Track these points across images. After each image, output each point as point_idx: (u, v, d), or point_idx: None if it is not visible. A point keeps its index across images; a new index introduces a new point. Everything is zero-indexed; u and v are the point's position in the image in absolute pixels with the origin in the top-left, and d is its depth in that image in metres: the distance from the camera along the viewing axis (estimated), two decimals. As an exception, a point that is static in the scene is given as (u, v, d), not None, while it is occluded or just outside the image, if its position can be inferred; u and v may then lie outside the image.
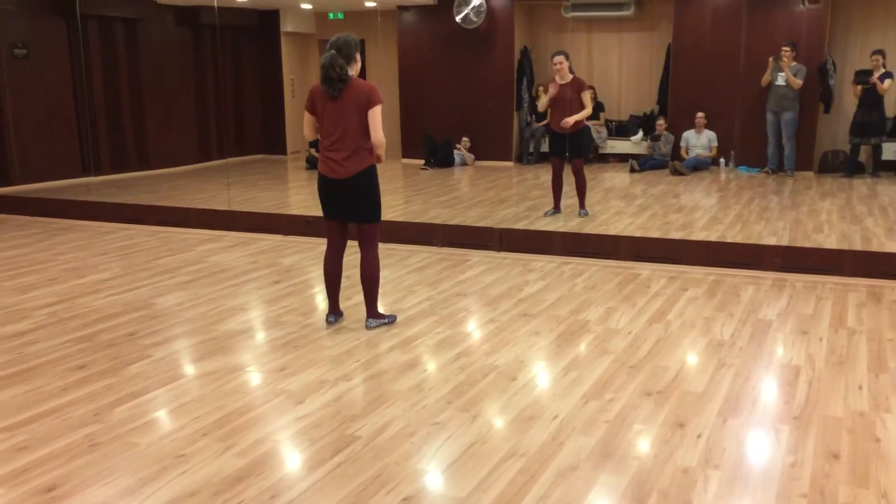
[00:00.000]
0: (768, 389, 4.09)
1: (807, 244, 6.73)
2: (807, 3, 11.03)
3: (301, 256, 7.16)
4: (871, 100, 10.54)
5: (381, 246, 5.20)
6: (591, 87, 11.04)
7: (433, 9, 12.86)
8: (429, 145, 12.77)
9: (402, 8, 13.05)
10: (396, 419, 3.73)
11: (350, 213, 4.92)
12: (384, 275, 6.05)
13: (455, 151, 12.85)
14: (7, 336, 5.02)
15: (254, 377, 4.31)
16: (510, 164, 12.91)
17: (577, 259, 6.86)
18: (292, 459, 3.39)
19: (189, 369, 4.45)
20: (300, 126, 14.13)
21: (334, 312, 5.18)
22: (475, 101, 12.94)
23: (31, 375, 4.33)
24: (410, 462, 3.32)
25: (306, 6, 13.45)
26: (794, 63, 10.91)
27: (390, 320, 5.16)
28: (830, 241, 6.92)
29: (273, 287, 6.14)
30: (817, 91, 11.11)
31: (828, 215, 8.16)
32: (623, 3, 12.11)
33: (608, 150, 12.81)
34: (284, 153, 14.58)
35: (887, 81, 10.41)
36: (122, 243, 7.86)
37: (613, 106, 13.08)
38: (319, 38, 14.54)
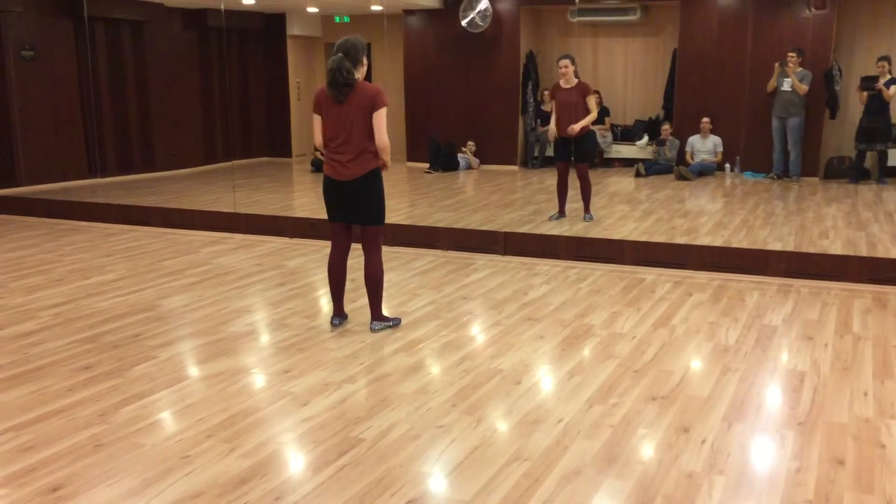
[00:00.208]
0: (773, 395, 4.08)
1: (812, 250, 6.72)
2: (813, 9, 11.03)
3: (306, 259, 7.17)
4: (876, 106, 10.53)
5: (385, 249, 5.21)
6: (597, 92, 11.05)
7: (439, 13, 12.88)
8: (433, 149, 12.79)
9: (408, 12, 13.08)
10: (401, 422, 3.73)
11: (354, 216, 4.92)
12: (389, 278, 6.07)
13: (460, 155, 12.87)
14: (13, 336, 5.03)
15: (258, 379, 4.32)
16: (515, 167, 12.92)
17: (582, 263, 6.86)
18: (297, 461, 3.40)
19: (194, 371, 4.46)
20: (306, 129, 14.21)
21: (339, 315, 5.19)
22: (481, 104, 12.95)
23: (36, 376, 4.34)
24: (415, 465, 3.32)
25: (312, 10, 13.47)
26: (800, 69, 10.90)
27: (395, 323, 5.17)
28: (836, 246, 6.91)
29: (278, 289, 6.15)
30: (823, 97, 11.10)
31: (833, 221, 8.15)
32: (629, 7, 12.13)
33: (613, 155, 12.81)
34: (290, 156, 14.62)
35: (893, 88, 10.40)
36: (127, 245, 7.88)
37: (619, 111, 13.09)
38: (325, 41, 14.57)
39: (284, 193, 10.92)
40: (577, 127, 7.86)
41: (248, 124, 14.43)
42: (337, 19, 14.29)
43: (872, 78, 10.58)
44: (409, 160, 13.49)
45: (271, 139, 14.72)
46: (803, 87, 10.82)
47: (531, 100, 12.88)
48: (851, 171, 11.05)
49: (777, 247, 6.85)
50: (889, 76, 10.46)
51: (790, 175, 11.20)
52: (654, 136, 12.41)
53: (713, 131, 11.79)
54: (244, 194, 10.17)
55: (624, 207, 9.04)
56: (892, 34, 11.31)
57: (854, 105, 11.13)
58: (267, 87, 14.53)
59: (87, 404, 3.95)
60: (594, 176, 9.25)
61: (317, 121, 4.89)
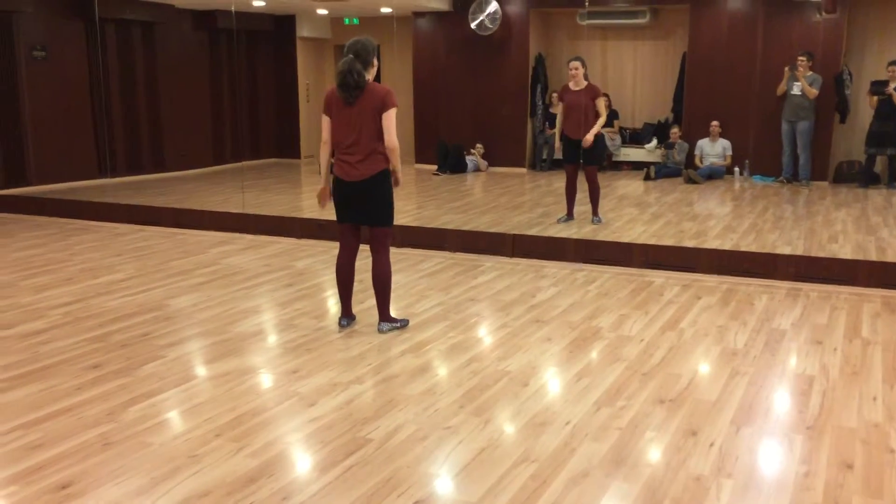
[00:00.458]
0: (782, 399, 4.07)
1: (821, 254, 6.69)
2: (823, 13, 10.98)
3: (314, 260, 7.18)
4: (886, 110, 10.49)
5: (393, 250, 5.22)
6: (606, 95, 11.04)
7: (448, 15, 12.89)
8: (442, 151, 12.80)
9: (418, 14, 13.10)
10: (408, 423, 3.73)
11: (363, 217, 4.93)
12: (397, 279, 6.07)
13: (468, 157, 12.87)
14: (22, 335, 5.06)
15: (266, 379, 4.33)
16: (523, 170, 12.92)
17: (590, 266, 6.85)
18: (304, 461, 3.40)
19: (202, 370, 4.47)
20: (315, 130, 14.21)
21: (347, 316, 5.19)
22: (489, 107, 12.96)
23: (45, 374, 4.36)
24: (422, 466, 3.32)
25: (322, 11, 13.51)
26: (810, 73, 10.87)
27: (402, 324, 5.17)
28: (845, 251, 6.88)
29: (286, 290, 6.16)
30: (833, 101, 11.06)
31: (843, 225, 8.12)
32: (638, 11, 12.11)
33: (622, 158, 12.79)
34: (298, 157, 14.64)
35: (904, 92, 10.36)
36: (137, 244, 7.90)
37: (628, 114, 13.07)
38: (335, 43, 14.60)
39: (293, 194, 10.94)
40: (590, 138, 7.93)
41: (258, 125, 14.47)
42: (347, 21, 14.31)
43: (883, 82, 10.55)
44: (417, 162, 13.50)
45: (280, 140, 14.75)
46: (813, 91, 10.79)
47: (540, 102, 12.88)
48: (861, 176, 11.01)
49: (786, 251, 6.83)
50: (899, 80, 10.42)
51: (799, 179, 11.17)
52: (663, 140, 12.39)
53: (722, 135, 11.76)
54: (253, 195, 10.19)
55: (632, 210, 9.02)
56: (902, 38, 11.27)
57: (864, 109, 11.09)
58: (276, 88, 14.57)
59: (96, 403, 3.96)
60: (602, 179, 9.25)
61: (325, 121, 4.90)
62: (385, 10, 12.59)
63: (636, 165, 12.58)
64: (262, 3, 12.23)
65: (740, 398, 4.02)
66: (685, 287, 6.20)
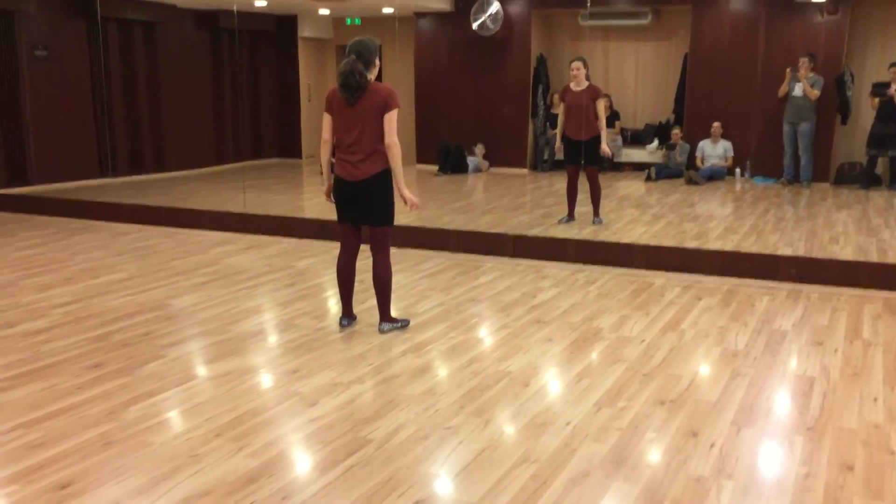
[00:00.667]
0: (782, 400, 4.07)
1: (822, 255, 6.69)
2: (825, 15, 10.99)
3: (315, 260, 7.19)
4: (888, 112, 10.48)
5: (394, 250, 5.22)
6: (607, 96, 11.04)
7: (450, 16, 12.89)
8: (443, 151, 12.80)
9: (420, 14, 13.10)
10: (409, 423, 3.73)
11: (364, 216, 4.93)
12: (398, 279, 6.07)
13: (469, 158, 12.87)
14: (23, 334, 5.06)
15: (267, 379, 4.33)
16: (524, 171, 12.92)
17: (591, 267, 6.85)
18: (304, 461, 3.40)
19: (203, 370, 4.47)
20: (316, 130, 14.21)
21: (347, 316, 5.19)
22: (491, 107, 12.95)
23: (46, 373, 4.36)
24: (422, 466, 3.32)
25: (324, 12, 13.51)
26: (812, 74, 10.87)
27: (403, 324, 5.17)
28: (846, 252, 6.88)
29: (287, 290, 6.17)
30: (834, 102, 11.05)
31: (844, 227, 8.12)
32: (640, 12, 12.11)
33: (623, 159, 12.79)
34: (300, 157, 14.65)
35: (905, 93, 10.36)
36: (138, 244, 7.91)
37: (629, 115, 13.07)
38: (337, 43, 14.61)
39: (294, 194, 10.95)
40: (606, 149, 8.05)
41: (259, 125, 14.47)
42: (349, 21, 14.32)
43: (884, 84, 10.54)
44: (418, 162, 13.50)
45: (282, 140, 14.76)
46: (815, 93, 10.79)
47: (541, 103, 12.88)
48: (862, 177, 11.00)
49: (787, 252, 6.82)
50: (901, 82, 10.42)
51: (801, 180, 11.16)
52: (665, 141, 12.38)
53: (724, 136, 11.75)
54: (254, 195, 10.19)
55: (633, 211, 9.02)
56: (904, 40, 11.26)
57: (866, 111, 11.08)
58: (278, 88, 14.57)
59: (97, 402, 3.97)
60: (604, 180, 9.25)
61: (326, 120, 4.90)
62: (387, 10, 12.59)
63: (637, 166, 12.58)
64: (264, 3, 12.23)
65: (741, 399, 4.02)
66: (686, 288, 6.20)
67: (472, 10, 12.50)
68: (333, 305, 5.71)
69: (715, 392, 4.12)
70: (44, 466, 3.31)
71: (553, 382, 4.30)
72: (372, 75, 4.76)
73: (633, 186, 11.21)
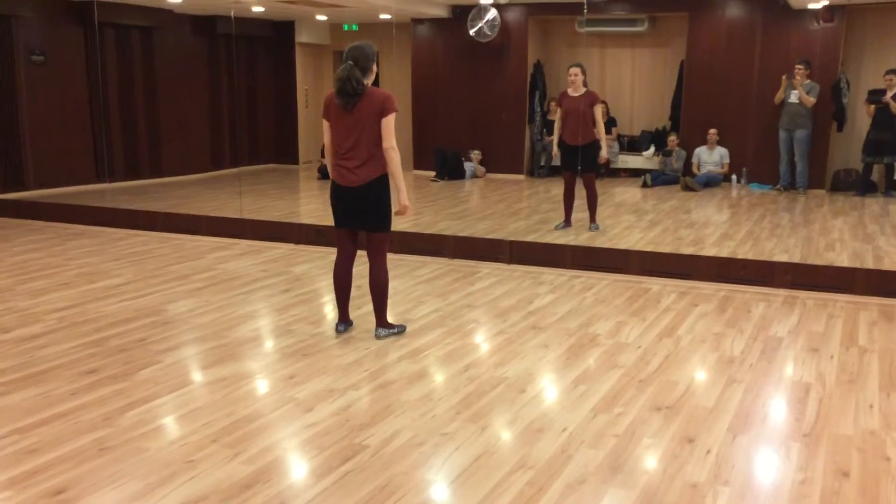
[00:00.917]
0: (778, 406, 4.07)
1: (818, 262, 6.71)
2: (821, 22, 11.03)
3: (311, 265, 7.18)
4: (884, 119, 10.52)
5: (391, 256, 5.21)
6: (604, 102, 11.07)
7: (447, 22, 12.92)
8: (440, 157, 12.81)
9: (417, 20, 13.12)
10: (405, 429, 3.73)
11: (361, 222, 4.93)
12: (394, 285, 6.07)
13: (466, 164, 12.88)
14: (19, 339, 5.05)
15: (263, 384, 4.32)
16: (521, 177, 12.93)
17: (588, 273, 6.85)
18: (300, 467, 3.40)
19: (199, 376, 4.46)
20: (313, 136, 14.26)
21: (344, 321, 5.19)
22: (488, 113, 12.98)
23: (41, 379, 4.35)
24: (418, 472, 3.32)
25: (321, 18, 13.53)
26: (808, 81, 10.90)
27: (399, 330, 5.17)
28: (842, 259, 6.90)
29: (283, 295, 6.16)
30: (830, 109, 11.09)
31: (840, 233, 8.14)
32: (637, 18, 12.15)
33: (620, 165, 12.81)
34: (297, 163, 14.65)
35: (901, 101, 10.40)
36: (134, 249, 7.90)
37: (626, 121, 13.10)
38: (334, 49, 14.63)
39: (291, 200, 10.95)
40: (605, 155, 8.12)
41: (256, 131, 14.48)
42: (346, 27, 14.34)
43: (880, 91, 10.58)
44: (415, 168, 13.50)
45: (279, 146, 14.76)
46: (810, 100, 10.82)
47: (538, 109, 12.90)
48: (858, 184, 11.03)
49: (783, 258, 6.84)
50: (896, 89, 10.46)
51: (797, 187, 11.19)
52: (661, 147, 12.41)
53: (720, 143, 11.79)
54: (251, 200, 10.19)
55: (630, 217, 9.03)
56: (900, 47, 11.30)
57: (861, 118, 11.12)
58: (275, 94, 14.59)
59: (92, 408, 3.96)
60: (600, 186, 9.26)
61: (326, 126, 4.90)
62: (384, 16, 12.61)
63: (634, 173, 12.60)
64: (262, 9, 12.25)
65: (737, 405, 4.02)
66: (682, 294, 6.21)
67: (470, 16, 12.52)
68: (329, 311, 5.71)
69: (711, 398, 4.12)
70: (39, 472, 3.30)
71: (549, 388, 4.30)
72: (369, 81, 4.76)
73: (629, 193, 11.23)
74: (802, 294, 6.21)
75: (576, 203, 8.42)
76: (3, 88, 10.50)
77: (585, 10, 10.95)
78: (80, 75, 11.36)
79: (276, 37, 14.20)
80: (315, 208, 9.94)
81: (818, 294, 6.19)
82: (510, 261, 7.23)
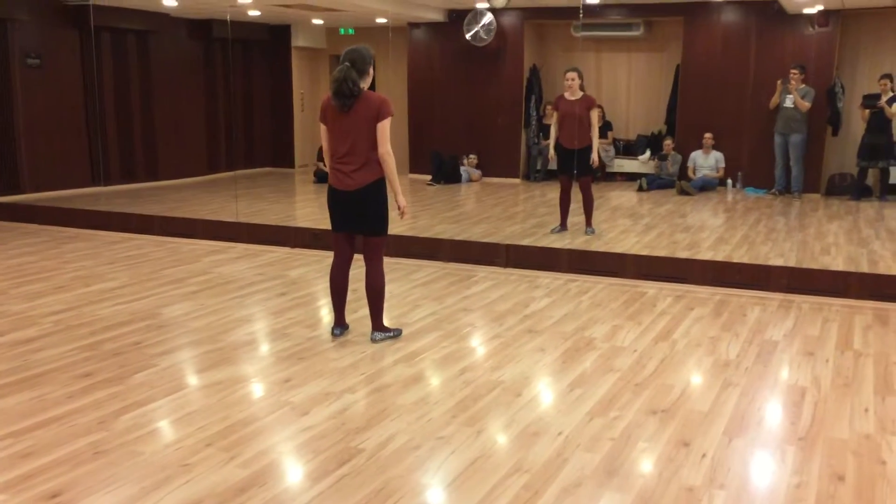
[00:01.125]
0: (774, 410, 4.07)
1: (813, 266, 6.72)
2: (816, 27, 11.07)
3: (308, 269, 7.18)
4: (878, 123, 10.56)
5: (387, 260, 5.21)
6: (600, 106, 11.09)
7: (444, 26, 12.94)
8: (436, 161, 12.82)
9: (413, 24, 13.14)
10: (401, 432, 3.72)
11: (357, 226, 4.93)
12: (390, 289, 6.06)
13: (462, 167, 12.89)
14: (14, 343, 5.03)
15: (258, 388, 4.31)
16: (517, 180, 12.94)
17: (584, 276, 6.86)
18: (296, 471, 3.39)
19: (194, 379, 4.45)
20: (309, 140, 14.25)
21: (340, 325, 5.19)
22: (484, 117, 12.99)
23: (36, 382, 4.34)
24: (414, 476, 3.32)
25: (317, 21, 13.54)
26: (803, 85, 10.93)
27: (396, 334, 5.17)
28: (837, 263, 6.91)
29: (279, 299, 6.15)
30: (825, 114, 11.12)
31: (835, 237, 8.16)
32: (632, 23, 12.18)
33: (616, 169, 12.83)
34: (293, 166, 14.65)
35: (895, 105, 10.42)
36: (129, 253, 7.89)
37: (621, 125, 13.12)
38: (330, 53, 14.63)
39: (287, 203, 10.94)
40: (596, 158, 8.08)
41: (252, 134, 14.47)
42: (342, 31, 14.35)
43: (875, 95, 10.61)
44: (411, 172, 13.51)
45: (275, 149, 14.76)
46: (805, 104, 10.85)
47: (534, 113, 12.91)
48: (853, 188, 11.06)
49: (778, 262, 6.85)
50: (891, 94, 10.47)
51: (792, 191, 11.21)
52: (657, 151, 12.43)
53: (715, 147, 11.81)
54: (247, 204, 10.19)
55: (626, 221, 9.05)
56: (894, 52, 11.33)
57: (856, 122, 11.15)
58: (271, 97, 14.59)
59: (87, 411, 3.95)
60: (596, 190, 9.27)
61: (324, 130, 4.90)
62: (380, 20, 12.62)
63: (630, 177, 12.62)
64: (258, 13, 12.25)
65: (732, 409, 4.03)
66: (678, 298, 6.22)
67: (466, 20, 12.54)
68: (326, 315, 5.70)
69: (707, 402, 4.12)
70: (34, 476, 3.29)
71: (545, 392, 4.30)
72: (365, 84, 4.76)
73: (625, 196, 11.25)
74: (798, 298, 6.22)
75: (572, 207, 8.43)
76: (-1, 91, 10.49)
77: (581, 15, 10.98)
78: (76, 79, 11.35)
79: (273, 40, 14.20)
80: (311, 212, 9.93)
81: (813, 298, 6.20)
82: (506, 264, 7.23)
